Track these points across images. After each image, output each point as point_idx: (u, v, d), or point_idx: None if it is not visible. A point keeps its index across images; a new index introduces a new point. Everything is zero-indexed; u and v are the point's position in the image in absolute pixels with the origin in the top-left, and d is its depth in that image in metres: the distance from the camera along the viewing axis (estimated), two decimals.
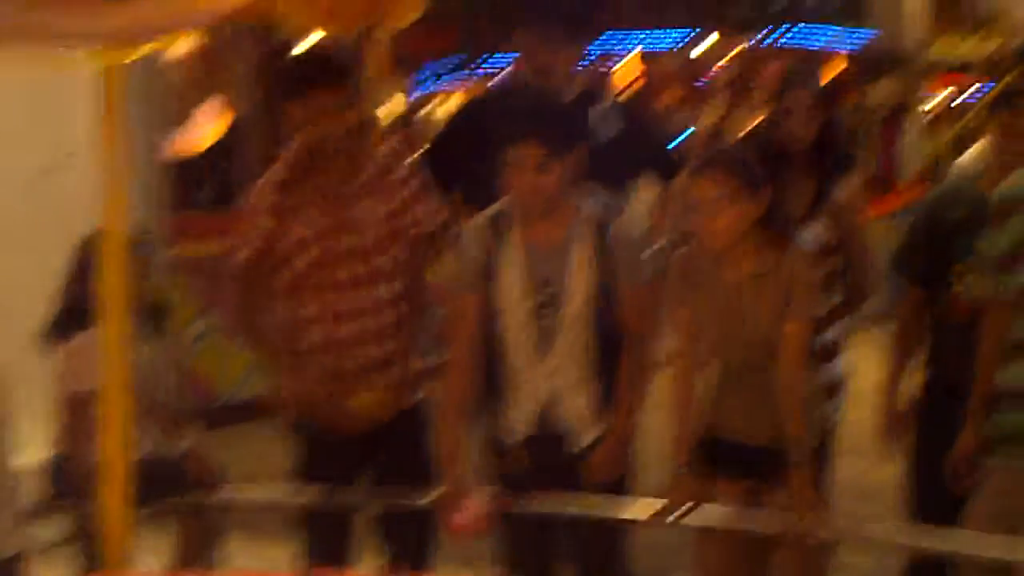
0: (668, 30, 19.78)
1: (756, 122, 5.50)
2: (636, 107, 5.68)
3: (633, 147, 5.21)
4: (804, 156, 5.08)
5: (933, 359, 4.90)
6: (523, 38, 5.16)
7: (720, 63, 20.08)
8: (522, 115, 4.41)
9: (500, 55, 17.94)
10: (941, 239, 4.74)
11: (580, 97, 5.17)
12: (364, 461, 4.69)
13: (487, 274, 4.39)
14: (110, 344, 3.57)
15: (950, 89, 23.81)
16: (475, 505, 4.34)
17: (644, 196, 5.93)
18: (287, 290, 4.64)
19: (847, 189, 5.16)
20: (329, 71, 4.53)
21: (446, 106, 21.08)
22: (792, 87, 5.20)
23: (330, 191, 4.61)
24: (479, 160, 4.78)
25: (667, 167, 5.55)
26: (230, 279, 4.70)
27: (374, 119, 11.93)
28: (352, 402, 4.59)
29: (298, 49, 4.64)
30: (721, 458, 4.37)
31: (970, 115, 16.51)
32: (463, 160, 5.08)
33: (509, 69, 5.44)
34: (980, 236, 4.35)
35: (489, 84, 20.71)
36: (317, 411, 4.64)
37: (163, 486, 4.76)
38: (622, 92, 13.65)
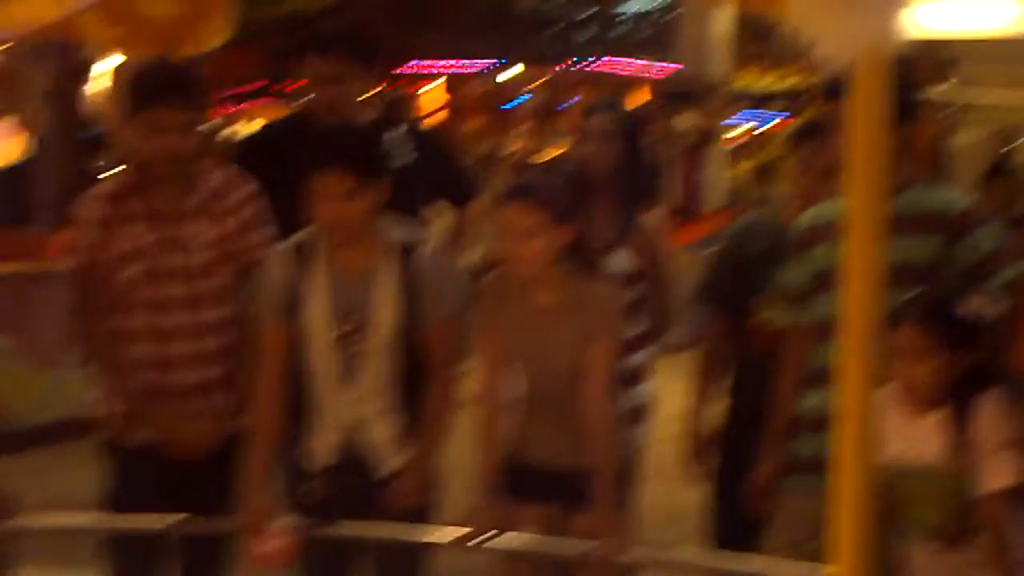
0: (474, 59, 19.84)
1: (561, 149, 5.53)
2: (432, 133, 5.63)
3: (429, 173, 5.16)
4: (608, 183, 5.10)
5: (735, 387, 4.97)
6: (310, 68, 5.06)
7: (526, 90, 20.27)
8: (328, 142, 4.34)
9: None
10: (744, 270, 4.81)
11: (377, 123, 5.11)
12: (176, 486, 4.57)
13: (293, 301, 4.33)
14: None
15: (752, 121, 24.30)
16: (279, 532, 4.26)
17: (441, 223, 5.92)
18: (116, 302, 4.54)
19: (651, 217, 5.18)
20: (175, 88, 4.43)
21: (248, 128, 20.90)
22: (594, 114, 5.22)
23: (160, 209, 4.53)
24: (278, 185, 4.70)
25: (463, 193, 5.52)
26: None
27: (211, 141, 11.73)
28: (179, 428, 4.51)
29: (148, 64, 4.51)
30: (526, 483, 4.37)
31: (770, 147, 16.89)
32: (261, 184, 4.94)
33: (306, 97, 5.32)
34: (781, 267, 4.41)
35: (288, 109, 20.63)
36: (142, 429, 4.54)
37: None
38: (424, 118, 13.68)
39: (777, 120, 25.99)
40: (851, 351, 2.50)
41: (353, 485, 4.36)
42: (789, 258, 4.36)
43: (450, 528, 4.35)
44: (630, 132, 5.17)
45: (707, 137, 14.74)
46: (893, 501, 3.86)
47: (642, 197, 5.21)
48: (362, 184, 4.19)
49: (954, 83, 20.75)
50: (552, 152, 18.74)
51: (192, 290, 4.54)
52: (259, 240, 4.65)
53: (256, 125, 22.41)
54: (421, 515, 4.41)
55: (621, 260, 4.90)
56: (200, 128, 4.61)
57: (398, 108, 17.35)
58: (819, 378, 4.18)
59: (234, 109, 23.94)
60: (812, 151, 4.67)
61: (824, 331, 4.16)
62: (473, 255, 5.52)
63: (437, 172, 5.24)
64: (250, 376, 4.54)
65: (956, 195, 4.27)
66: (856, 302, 2.49)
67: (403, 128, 5.21)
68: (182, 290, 4.53)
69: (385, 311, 4.31)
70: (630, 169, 5.13)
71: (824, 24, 2.08)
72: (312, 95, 5.14)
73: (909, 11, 2.13)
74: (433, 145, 5.40)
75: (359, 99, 5.08)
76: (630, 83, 19.54)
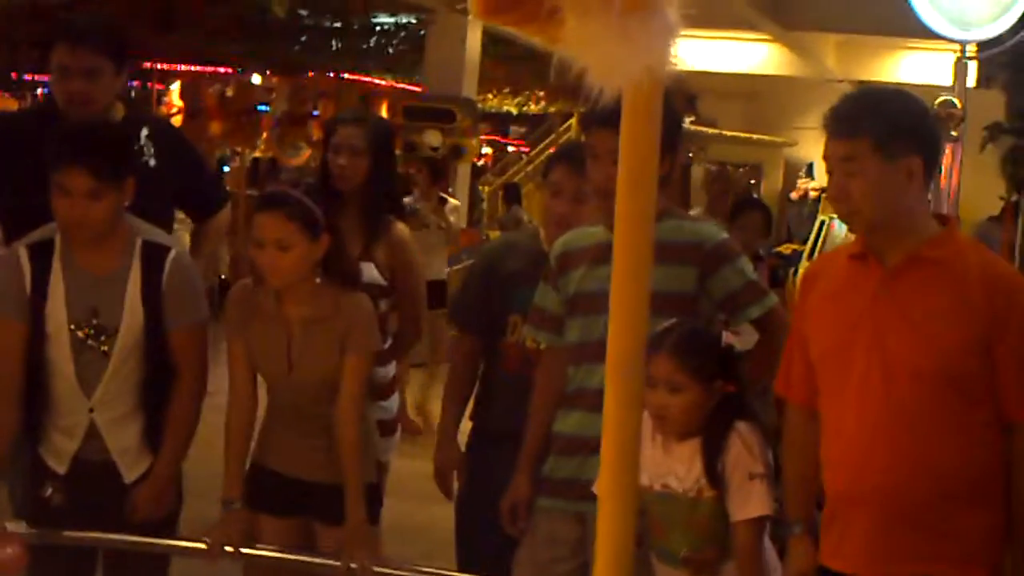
0: (216, 63, 19.50)
1: (302, 159, 5.42)
2: (178, 135, 5.45)
3: (173, 176, 5.01)
4: (355, 196, 5.04)
5: (484, 405, 4.93)
6: (57, 60, 4.86)
7: (269, 99, 20.03)
8: (70, 139, 4.18)
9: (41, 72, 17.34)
10: (497, 289, 4.79)
11: (123, 122, 4.93)
12: None
13: (34, 300, 4.18)
14: None
15: (497, 142, 24.48)
16: (8, 539, 4.08)
17: (185, 227, 5.77)
18: None
19: (399, 230, 5.14)
20: None
21: None
22: (340, 126, 5.16)
23: None
24: (17, 180, 4.53)
25: (209, 198, 5.37)
26: None
27: None
28: None
29: None
30: (271, 494, 4.32)
31: (516, 168, 17.05)
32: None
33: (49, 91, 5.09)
34: (534, 289, 4.41)
35: (28, 102, 19.99)
36: None
37: None
38: (166, 120, 13.35)
39: (519, 143, 26.30)
40: (616, 377, 2.46)
41: (93, 491, 4.25)
42: (544, 281, 4.37)
43: (192, 537, 4.27)
44: (378, 145, 5.12)
45: (452, 155, 14.78)
46: (645, 528, 3.89)
47: (390, 210, 5.16)
48: (104, 183, 4.08)
49: (695, 118, 21.30)
50: (294, 161, 18.61)
51: None
52: None
53: None
54: (163, 523, 4.32)
55: (369, 272, 4.84)
56: None
57: (142, 108, 16.97)
58: (573, 400, 4.20)
59: None
60: (565, 176, 4.68)
61: (578, 354, 4.19)
62: (218, 262, 5.39)
63: (182, 175, 5.09)
64: None
65: (711, 228, 4.33)
66: (622, 329, 2.45)
67: (148, 128, 5.04)
68: None
69: (128, 314, 4.20)
70: (377, 182, 5.08)
71: (596, 53, 2.06)
72: (58, 88, 4.93)
73: (679, 42, 2.14)
74: (179, 148, 5.25)
75: (108, 95, 4.90)
76: (376, 96, 19.53)
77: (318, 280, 4.23)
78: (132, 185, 4.18)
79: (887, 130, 3.45)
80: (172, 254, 4.25)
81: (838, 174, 3.51)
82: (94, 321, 4.18)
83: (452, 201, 11.91)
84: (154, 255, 4.23)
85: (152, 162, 4.93)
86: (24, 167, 4.29)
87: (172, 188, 5.02)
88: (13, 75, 21.64)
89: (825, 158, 3.56)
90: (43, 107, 5.35)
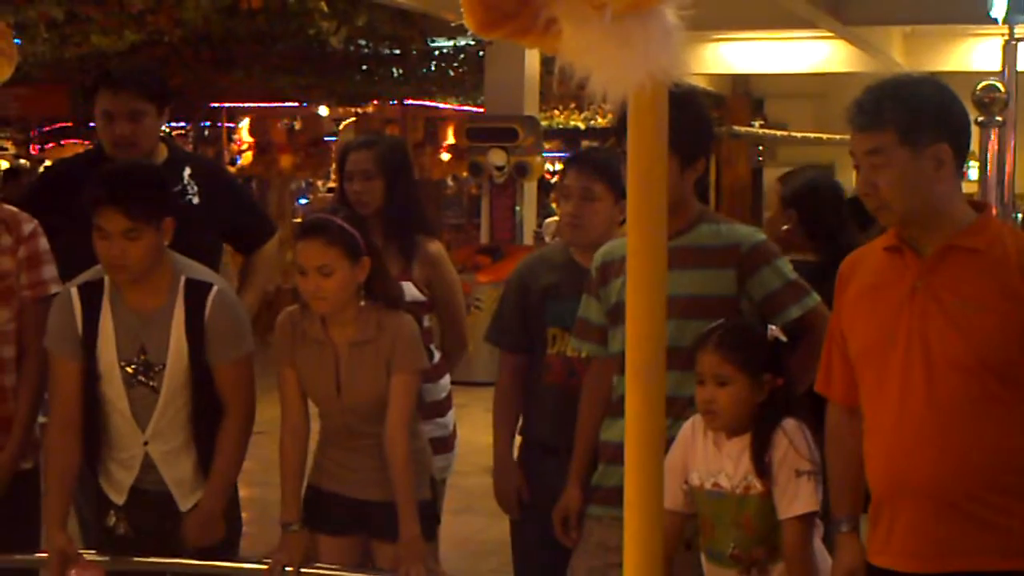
0: (282, 98, 19.61)
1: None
2: (220, 173, 5.49)
3: (217, 214, 5.07)
4: (377, 218, 5.01)
5: (533, 418, 4.93)
6: (101, 105, 4.94)
7: (339, 128, 20.12)
8: (105, 181, 4.26)
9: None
10: (532, 304, 4.79)
11: (165, 164, 5.00)
12: None
13: (86, 340, 4.28)
14: None
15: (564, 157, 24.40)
16: (83, 567, 4.19)
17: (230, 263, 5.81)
18: None
19: (431, 247, 5.15)
20: None
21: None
22: (351, 152, 5.16)
23: None
24: (69, 222, 4.62)
25: (253, 233, 5.39)
26: None
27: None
28: None
29: None
30: (328, 514, 4.38)
31: None
32: (47, 223, 4.81)
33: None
34: (570, 299, 4.42)
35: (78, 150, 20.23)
36: None
37: None
38: (210, 159, 13.41)
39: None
40: (636, 384, 2.45)
41: (151, 520, 4.36)
42: (587, 292, 4.38)
43: (254, 559, 4.37)
44: (391, 166, 5.12)
45: (518, 174, 14.76)
46: (698, 527, 3.89)
47: (416, 229, 5.15)
48: (140, 223, 4.16)
49: (763, 122, 21.14)
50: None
51: None
52: (38, 279, 4.56)
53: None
54: (224, 548, 4.39)
55: (409, 290, 4.84)
56: None
57: (191, 147, 17.09)
58: (619, 408, 4.19)
59: (41, 147, 23.48)
60: (573, 178, 4.68)
61: (622, 362, 4.17)
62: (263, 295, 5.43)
63: (226, 211, 5.15)
64: (30, 413, 4.52)
65: (748, 230, 4.31)
66: (640, 335, 2.45)
67: (191, 168, 5.11)
68: None
69: (174, 351, 4.28)
70: (396, 203, 5.09)
71: (596, 59, 2.05)
72: (104, 132, 5.02)
73: (685, 46, 2.12)
74: (222, 185, 5.31)
75: (151, 137, 4.99)
76: (441, 120, 19.56)
77: (362, 303, 4.27)
78: (171, 224, 4.25)
79: (911, 119, 3.41)
80: (214, 291, 4.32)
81: (865, 168, 3.48)
82: (142, 358, 4.27)
83: None
84: (197, 292, 4.30)
85: (196, 200, 5.01)
86: (76, 211, 4.36)
87: (217, 224, 5.09)
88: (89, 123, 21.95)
89: (851, 153, 3.53)
90: (92, 153, 5.46)
